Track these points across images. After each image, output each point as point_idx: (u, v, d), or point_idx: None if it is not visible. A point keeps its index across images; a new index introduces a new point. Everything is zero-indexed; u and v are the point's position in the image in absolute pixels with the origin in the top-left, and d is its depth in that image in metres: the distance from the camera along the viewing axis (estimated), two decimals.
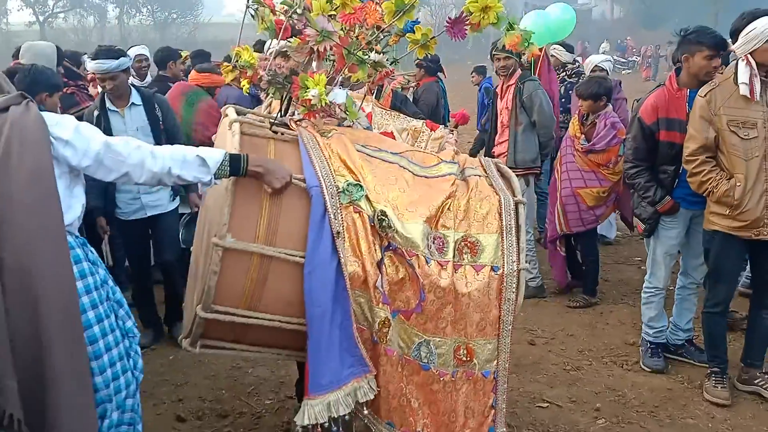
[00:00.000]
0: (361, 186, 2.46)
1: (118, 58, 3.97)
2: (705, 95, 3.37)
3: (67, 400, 1.89)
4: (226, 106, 2.86)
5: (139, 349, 2.46)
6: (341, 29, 2.64)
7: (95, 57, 3.99)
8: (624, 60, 32.40)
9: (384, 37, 2.77)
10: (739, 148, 3.29)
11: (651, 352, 3.96)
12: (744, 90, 3.23)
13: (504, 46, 2.79)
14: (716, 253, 3.53)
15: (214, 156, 2.23)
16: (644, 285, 4.06)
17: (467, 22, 2.59)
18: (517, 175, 4.93)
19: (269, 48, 3.26)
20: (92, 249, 2.25)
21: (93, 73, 4.23)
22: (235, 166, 2.25)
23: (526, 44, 2.65)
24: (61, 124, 2.11)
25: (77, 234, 2.20)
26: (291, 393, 3.57)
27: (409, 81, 6.99)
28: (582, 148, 4.66)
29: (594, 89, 4.64)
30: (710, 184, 3.36)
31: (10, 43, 37.78)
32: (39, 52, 4.76)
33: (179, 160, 2.21)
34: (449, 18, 2.65)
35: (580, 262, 5.15)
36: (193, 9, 48.85)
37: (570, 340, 4.41)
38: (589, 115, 4.72)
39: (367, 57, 2.76)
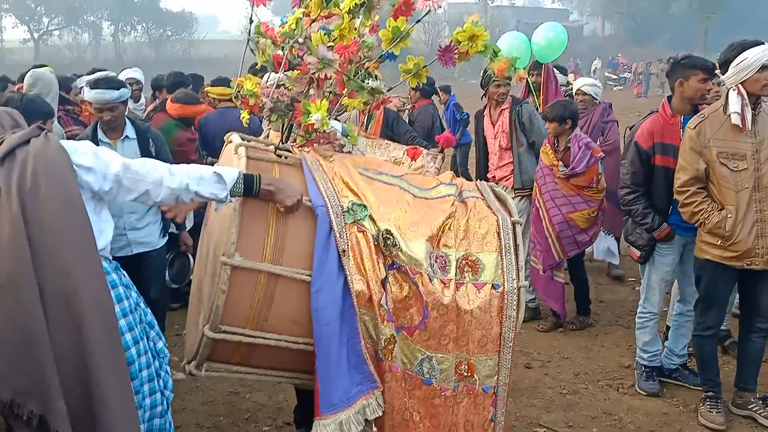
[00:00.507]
0: (365, 206, 2.52)
1: (119, 89, 3.84)
2: (694, 127, 3.41)
3: (118, 418, 1.96)
4: (230, 132, 2.92)
5: (169, 369, 2.49)
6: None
7: (95, 86, 3.81)
8: (616, 76, 32.72)
9: (364, 63, 2.84)
10: (729, 180, 3.33)
11: (646, 375, 3.99)
12: (736, 119, 3.27)
13: (489, 72, 2.90)
14: (708, 281, 3.57)
15: (230, 174, 2.30)
16: (639, 310, 4.07)
17: (456, 51, 2.69)
18: (524, 196, 5.05)
19: (267, 80, 3.32)
20: (125, 273, 2.31)
21: (90, 102, 3.98)
22: (248, 184, 2.32)
23: (513, 69, 2.74)
24: (81, 151, 2.16)
25: (110, 258, 2.26)
26: (289, 419, 3.58)
27: (404, 103, 7.07)
28: (563, 175, 4.62)
29: (559, 112, 4.61)
30: (702, 215, 3.40)
31: (5, 60, 37.93)
32: (47, 80, 4.76)
33: (196, 176, 2.27)
34: (440, 47, 2.74)
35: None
36: (187, 26, 49.08)
37: (566, 363, 4.44)
38: (559, 142, 4.71)
39: (365, 83, 2.83)
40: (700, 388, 3.78)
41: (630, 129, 4.07)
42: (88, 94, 3.88)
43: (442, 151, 4.91)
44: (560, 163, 4.64)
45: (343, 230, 2.46)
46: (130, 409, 2.03)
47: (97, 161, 2.16)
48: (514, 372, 4.15)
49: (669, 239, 3.76)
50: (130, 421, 2.02)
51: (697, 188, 3.43)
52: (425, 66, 2.80)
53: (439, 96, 7.59)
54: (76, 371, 1.93)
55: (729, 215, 3.32)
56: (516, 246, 2.63)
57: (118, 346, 2.04)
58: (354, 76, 2.79)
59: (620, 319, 5.15)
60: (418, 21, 2.88)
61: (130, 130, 3.99)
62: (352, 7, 2.64)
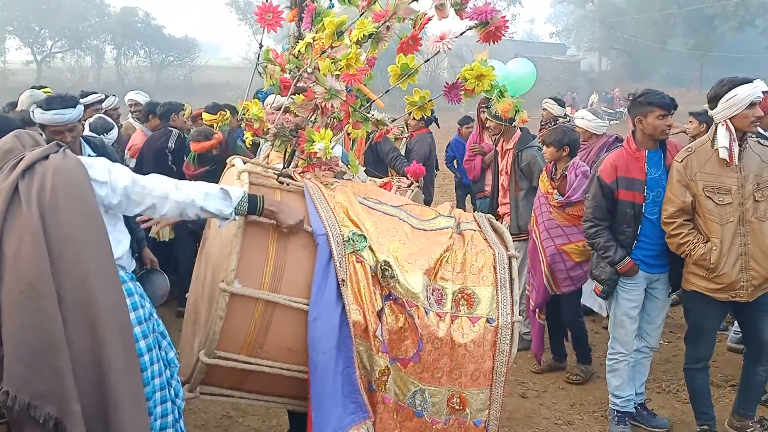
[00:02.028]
0: (364, 237, 2.54)
1: (75, 106, 3.55)
2: (681, 161, 3.45)
3: (130, 421, 2.02)
4: (233, 156, 2.95)
5: (179, 378, 2.48)
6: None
7: (49, 107, 3.47)
8: (612, 111, 33.10)
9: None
10: (715, 213, 3.36)
11: (618, 420, 3.86)
12: (723, 153, 3.31)
13: (493, 111, 2.89)
14: (695, 313, 3.59)
15: (236, 191, 2.35)
16: (608, 351, 3.92)
17: (462, 88, 2.72)
18: (522, 240, 4.97)
19: (272, 102, 3.36)
20: (139, 284, 2.34)
21: (45, 125, 3.57)
22: (253, 203, 2.37)
23: (516, 111, 2.74)
24: (95, 166, 2.22)
25: (127, 268, 2.30)
26: None
27: (402, 131, 7.13)
28: (558, 203, 4.45)
29: (557, 137, 4.44)
30: (688, 246, 3.42)
31: (7, 81, 38.15)
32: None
33: (203, 191, 2.32)
34: (447, 83, 2.76)
35: (558, 335, 4.85)
36: (190, 52, 49.55)
37: (561, 394, 4.42)
38: (557, 170, 4.53)
39: (370, 115, 2.87)
40: (660, 430, 3.81)
41: (595, 161, 4.06)
42: (43, 117, 3.51)
43: (414, 183, 4.81)
44: (555, 191, 4.50)
45: (344, 259, 2.47)
46: (143, 414, 2.08)
47: (110, 176, 2.22)
48: (509, 401, 4.15)
49: (632, 274, 3.67)
50: (142, 426, 2.07)
51: (684, 220, 3.45)
52: (431, 100, 2.82)
53: (438, 125, 7.61)
54: (91, 375, 1.99)
55: (714, 247, 3.35)
56: (511, 280, 2.66)
57: (133, 352, 2.10)
58: (359, 107, 2.83)
59: None
60: (427, 60, 2.90)
61: (87, 149, 3.82)
62: (360, 38, 2.66)
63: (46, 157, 2.14)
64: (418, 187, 4.62)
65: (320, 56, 2.70)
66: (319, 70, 2.66)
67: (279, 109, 3.08)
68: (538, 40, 65.68)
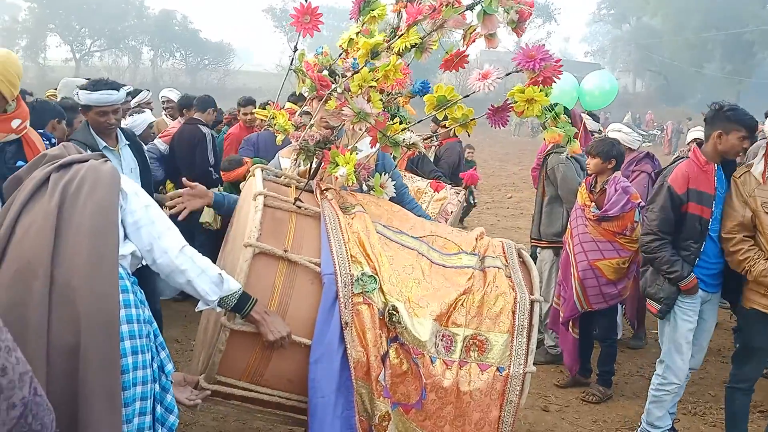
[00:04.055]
0: (375, 278, 2.45)
1: (119, 89, 3.68)
2: (740, 176, 3.42)
3: (99, 418, 1.91)
4: (255, 165, 2.88)
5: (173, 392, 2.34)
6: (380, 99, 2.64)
7: (96, 88, 3.63)
8: (645, 133, 32.80)
9: (395, 97, 2.80)
10: None
11: None
12: (755, 170, 3.34)
13: (542, 138, 2.73)
14: (750, 332, 3.50)
15: (231, 284, 2.25)
16: (657, 380, 3.77)
17: (510, 109, 2.48)
18: (543, 247, 4.94)
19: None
20: (141, 289, 2.24)
21: (92, 107, 3.69)
22: (241, 303, 2.27)
23: (568, 141, 2.55)
24: (127, 180, 2.22)
25: (130, 272, 2.20)
26: None
27: (431, 140, 7.11)
28: (594, 216, 4.26)
29: (606, 148, 4.29)
30: (748, 263, 3.34)
31: (46, 77, 39.12)
32: (71, 85, 4.95)
33: (200, 267, 2.21)
34: (492, 105, 2.54)
35: (587, 349, 4.71)
36: (224, 56, 50.29)
37: (584, 409, 4.33)
38: (597, 183, 4.38)
39: (401, 140, 2.74)
40: None
41: (659, 174, 3.94)
42: (90, 97, 3.66)
43: (466, 188, 4.97)
44: (593, 204, 4.33)
45: (349, 300, 2.40)
46: (116, 419, 1.94)
47: (135, 198, 2.19)
48: (530, 414, 4.09)
49: (693, 292, 3.55)
50: (114, 425, 1.93)
51: (744, 236, 3.38)
52: (473, 119, 2.68)
53: (468, 133, 7.60)
54: (66, 364, 1.90)
55: None
56: (530, 327, 2.53)
57: (116, 349, 1.98)
58: (389, 113, 2.71)
59: (641, 370, 5.04)
60: (467, 96, 2.75)
61: (123, 140, 3.91)
62: (402, 49, 2.48)
63: (87, 161, 2.17)
64: (460, 200, 4.70)
65: (352, 75, 2.51)
66: (350, 91, 2.49)
67: (314, 99, 3.06)
68: (572, 58, 65.27)
